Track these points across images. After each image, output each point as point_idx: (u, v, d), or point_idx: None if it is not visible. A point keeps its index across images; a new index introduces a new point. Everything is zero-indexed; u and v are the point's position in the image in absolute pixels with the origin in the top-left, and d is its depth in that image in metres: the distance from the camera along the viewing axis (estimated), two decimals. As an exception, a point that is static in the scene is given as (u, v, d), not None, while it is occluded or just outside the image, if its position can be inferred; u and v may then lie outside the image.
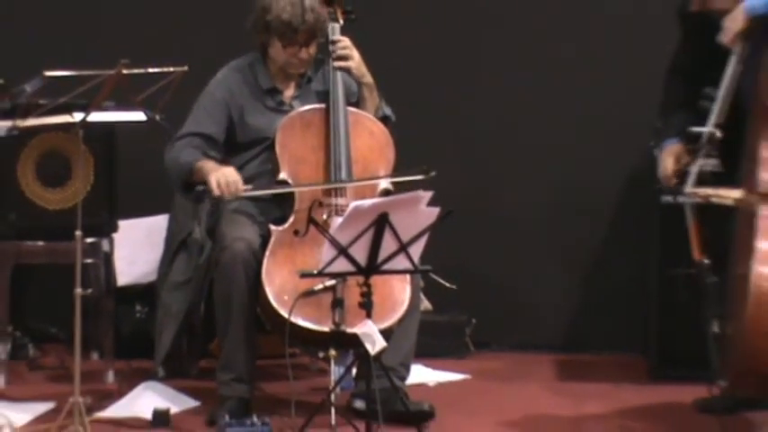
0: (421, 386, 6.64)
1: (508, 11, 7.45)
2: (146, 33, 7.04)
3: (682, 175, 6.07)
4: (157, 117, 6.11)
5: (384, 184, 6.24)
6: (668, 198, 6.66)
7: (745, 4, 5.82)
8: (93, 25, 7.27)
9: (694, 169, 5.99)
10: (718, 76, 5.97)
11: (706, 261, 5.93)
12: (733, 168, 6.04)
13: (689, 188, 5.96)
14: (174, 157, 6.21)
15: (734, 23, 5.86)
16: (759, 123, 5.77)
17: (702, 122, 6.01)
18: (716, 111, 5.95)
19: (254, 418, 5.89)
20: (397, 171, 6.27)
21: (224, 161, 6.19)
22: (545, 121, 7.44)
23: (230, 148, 6.27)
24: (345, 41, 6.34)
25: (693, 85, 6.27)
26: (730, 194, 5.89)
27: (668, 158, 6.16)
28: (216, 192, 6.01)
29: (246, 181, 6.16)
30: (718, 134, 5.93)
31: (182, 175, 6.18)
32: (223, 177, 6.02)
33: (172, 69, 5.67)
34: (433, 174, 5.87)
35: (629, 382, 6.88)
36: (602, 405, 6.54)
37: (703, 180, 5.98)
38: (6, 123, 6.32)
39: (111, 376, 6.77)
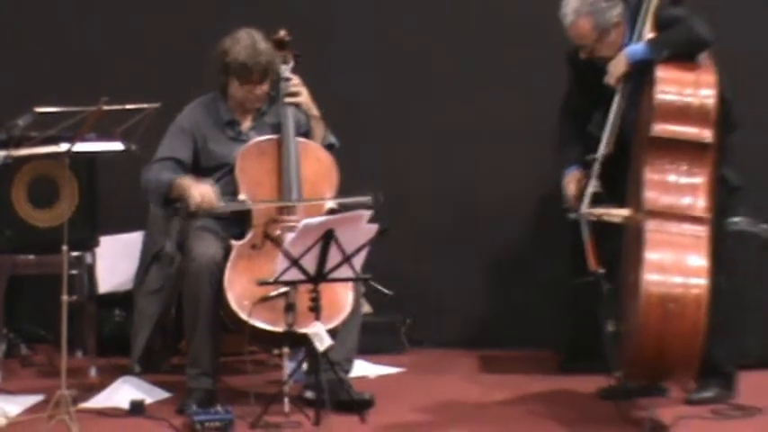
0: (363, 378, 6.62)
1: (426, 60, 7.46)
2: (123, 74, 7.03)
3: (581, 196, 6.14)
4: (133, 147, 6.13)
5: (329, 204, 6.26)
6: (573, 215, 6.71)
7: (627, 51, 5.95)
8: (76, 67, 7.23)
9: (588, 191, 6.06)
10: (602, 112, 6.05)
11: (601, 271, 6.01)
12: (613, 188, 6.10)
13: (584, 208, 6.03)
14: (153, 177, 6.21)
15: (617, 67, 5.97)
16: (642, 151, 5.83)
17: (592, 152, 6.10)
18: (604, 140, 6.04)
19: (219, 408, 5.87)
20: (340, 191, 6.28)
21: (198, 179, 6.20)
22: (472, 149, 7.43)
23: (195, 172, 6.24)
24: (296, 80, 6.36)
25: (583, 120, 6.31)
26: (620, 213, 5.97)
27: (570, 184, 6.24)
28: (197, 200, 6.03)
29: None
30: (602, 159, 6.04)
31: (161, 190, 6.18)
32: (204, 189, 6.07)
33: (146, 106, 5.68)
34: (381, 200, 5.88)
35: (542, 374, 6.87)
36: (518, 393, 6.54)
37: (598, 200, 6.05)
38: (2, 153, 6.35)
39: (93, 372, 6.71)
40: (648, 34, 5.93)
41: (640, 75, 5.92)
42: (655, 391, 6.00)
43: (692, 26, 5.88)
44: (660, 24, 5.93)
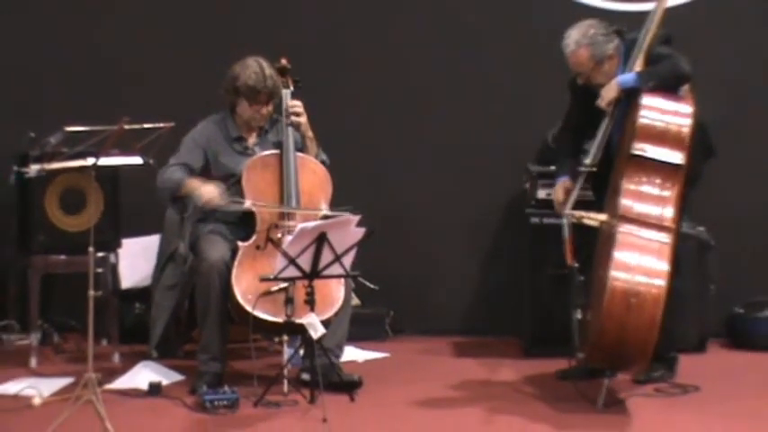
0: (352, 362, 6.62)
1: (411, 85, 7.47)
2: (141, 97, 7.02)
3: (565, 201, 6.17)
4: (151, 161, 6.18)
5: (324, 210, 6.26)
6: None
7: (618, 80, 5.97)
8: (101, 90, 7.23)
9: (573, 196, 6.10)
10: (594, 131, 6.07)
11: (576, 265, 6.03)
12: (599, 199, 6.16)
13: (568, 210, 6.06)
14: (167, 176, 6.20)
15: (609, 93, 5.99)
16: (623, 166, 5.87)
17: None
18: (591, 154, 6.08)
19: (226, 388, 5.90)
20: (332, 201, 6.29)
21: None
22: (448, 165, 7.45)
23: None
24: (298, 104, 6.36)
25: (579, 137, 6.33)
26: (598, 217, 5.99)
27: (559, 190, 6.27)
28: (205, 197, 6.06)
29: (215, 209, 6.22)
30: (594, 169, 6.06)
31: (173, 187, 6.17)
32: (210, 188, 6.09)
33: (161, 125, 5.69)
34: (359, 215, 5.86)
35: (508, 358, 6.89)
36: (488, 375, 6.58)
37: (578, 206, 6.08)
38: (36, 166, 6.40)
39: (116, 357, 6.74)
40: (638, 67, 5.95)
41: (627, 100, 5.95)
42: (608, 373, 5.99)
43: (676, 62, 5.93)
44: (650, 60, 5.96)
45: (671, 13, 6.17)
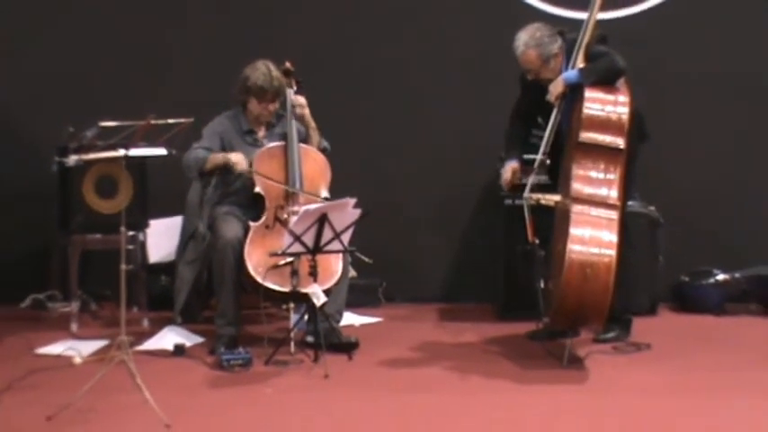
0: (350, 326, 6.61)
1: (402, 80, 7.43)
2: (165, 95, 6.98)
3: (516, 185, 6.16)
4: (174, 152, 6.17)
5: (324, 194, 6.25)
6: (509, 201, 6.68)
7: (563, 76, 5.97)
8: (130, 89, 7.21)
9: (530, 181, 6.11)
10: (543, 119, 6.06)
11: (537, 241, 6.05)
12: (554, 181, 6.16)
13: (526, 194, 6.07)
14: (192, 155, 6.20)
15: (556, 88, 5.98)
16: (572, 152, 5.86)
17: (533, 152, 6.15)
18: (543, 143, 6.08)
19: (240, 349, 5.92)
20: (331, 185, 6.29)
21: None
22: (431, 151, 7.41)
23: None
24: (301, 99, 6.35)
25: (527, 125, 6.32)
26: (553, 198, 6.00)
27: (507, 172, 6.26)
28: (234, 159, 6.08)
29: (230, 193, 6.26)
30: (547, 160, 6.08)
31: (199, 164, 6.16)
32: (238, 155, 6.11)
33: (183, 120, 5.69)
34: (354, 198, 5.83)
35: (484, 322, 6.87)
36: (468, 337, 6.56)
37: (534, 189, 6.09)
38: (75, 157, 6.39)
39: (145, 322, 6.74)
40: (580, 64, 5.94)
41: (572, 94, 5.93)
42: (570, 333, 6.00)
43: (612, 59, 5.91)
44: (590, 57, 5.94)
45: (626, 19, 6.09)
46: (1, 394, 5.39)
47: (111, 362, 5.28)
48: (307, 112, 6.35)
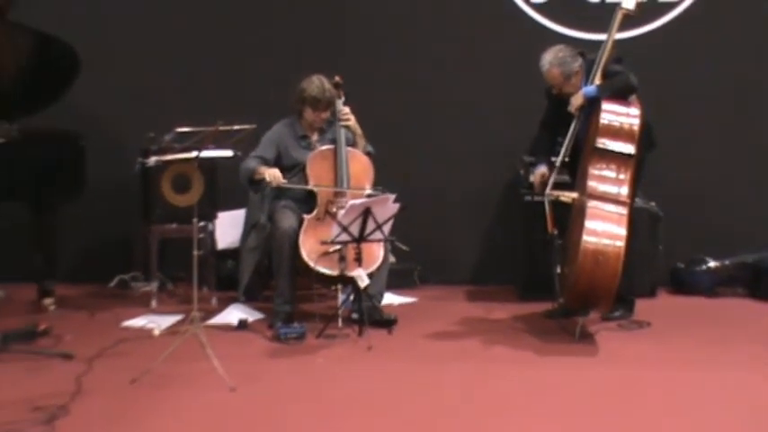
0: (389, 305, 6.57)
1: (436, 91, 7.36)
2: (231, 104, 6.95)
3: (544, 184, 6.11)
4: (239, 153, 6.21)
5: (367, 190, 6.23)
6: (528, 198, 6.63)
7: (583, 91, 5.96)
8: (201, 99, 7.19)
9: (551, 180, 6.07)
10: (566, 129, 6.02)
11: (555, 232, 6.02)
12: (573, 180, 6.12)
13: (548, 191, 6.04)
14: (245, 165, 6.20)
15: (577, 101, 5.97)
16: (589, 156, 5.85)
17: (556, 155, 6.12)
18: (564, 147, 6.05)
19: (295, 324, 5.94)
20: (374, 182, 6.28)
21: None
22: (466, 154, 7.34)
23: (279, 169, 6.19)
24: (347, 110, 6.33)
25: (552, 133, 6.24)
26: (571, 195, 5.98)
27: (537, 175, 6.23)
28: (267, 179, 6.04)
29: (287, 189, 6.21)
30: (567, 160, 6.05)
31: (249, 173, 6.15)
32: (273, 171, 6.08)
33: (246, 126, 5.69)
34: (393, 194, 5.84)
35: (507, 302, 6.83)
36: (492, 314, 6.54)
37: (555, 187, 6.04)
38: (155, 158, 6.44)
39: (214, 300, 6.73)
40: (597, 81, 5.92)
41: (590, 106, 5.91)
42: (582, 312, 5.96)
43: (627, 77, 5.91)
44: (606, 75, 5.93)
45: (635, 40, 6.07)
46: (93, 360, 5.44)
47: (184, 334, 5.32)
48: (353, 119, 6.33)
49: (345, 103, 6.35)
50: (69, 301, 6.81)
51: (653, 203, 6.91)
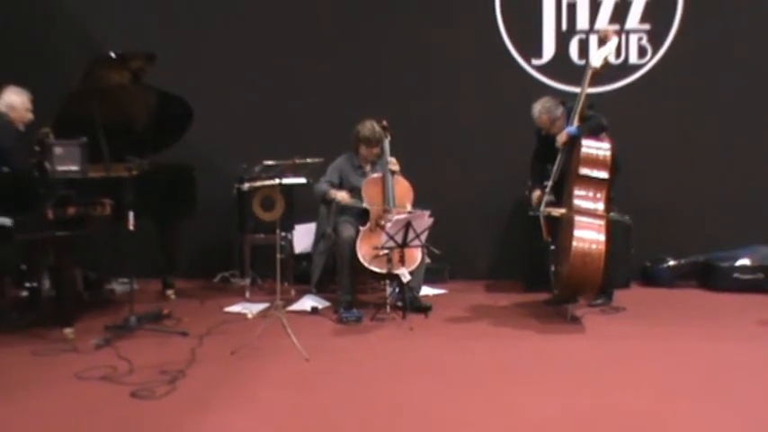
0: (425, 296, 6.55)
1: (456, 126, 7.31)
2: (303, 142, 6.90)
3: (540, 204, 6.06)
4: (310, 180, 6.21)
5: (408, 208, 6.21)
6: (531, 213, 6.58)
7: (567, 130, 5.90)
8: (282, 138, 7.17)
9: (545, 200, 6.01)
10: (553, 160, 5.98)
11: (550, 239, 5.97)
12: (559, 199, 6.04)
13: (542, 208, 5.99)
14: (319, 187, 6.20)
15: (562, 138, 5.92)
16: (572, 180, 5.80)
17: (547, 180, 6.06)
18: (552, 175, 5.99)
19: (354, 310, 5.94)
20: (412, 205, 6.24)
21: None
22: (484, 179, 7.27)
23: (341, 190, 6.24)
24: (394, 160, 6.22)
25: (544, 163, 6.19)
26: (559, 211, 5.91)
27: (535, 196, 6.18)
28: (338, 197, 6.07)
29: (347, 208, 6.18)
30: (553, 184, 5.98)
31: (323, 194, 6.18)
32: (342, 193, 6.11)
33: (316, 160, 5.74)
34: (428, 211, 5.81)
35: (515, 293, 6.80)
36: (505, 302, 6.50)
37: (547, 205, 5.98)
38: (247, 184, 6.44)
39: (292, 292, 6.72)
40: (576, 122, 5.87)
41: (572, 142, 5.87)
42: (572, 301, 5.92)
43: (599, 119, 5.87)
44: (583, 118, 5.88)
45: (607, 92, 5.94)
46: (203, 337, 5.49)
47: (270, 317, 5.35)
48: (398, 167, 6.20)
49: (391, 144, 6.27)
50: (185, 292, 6.86)
51: (626, 217, 6.84)
